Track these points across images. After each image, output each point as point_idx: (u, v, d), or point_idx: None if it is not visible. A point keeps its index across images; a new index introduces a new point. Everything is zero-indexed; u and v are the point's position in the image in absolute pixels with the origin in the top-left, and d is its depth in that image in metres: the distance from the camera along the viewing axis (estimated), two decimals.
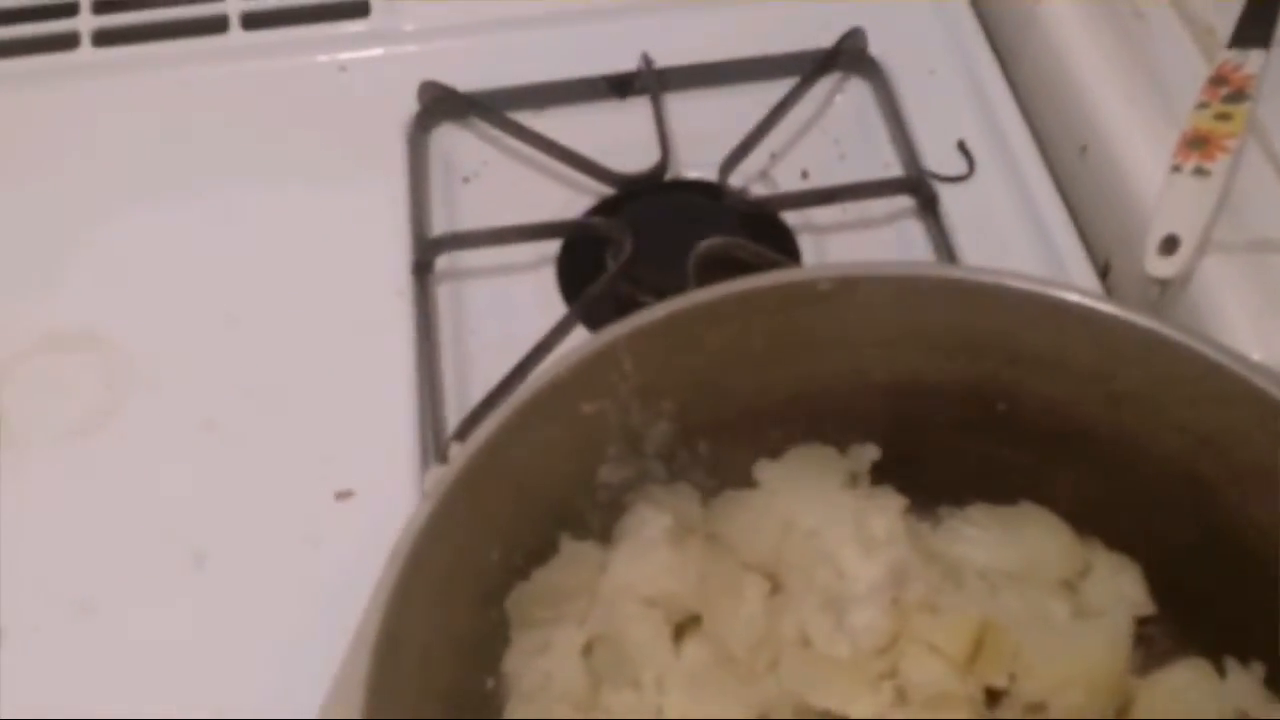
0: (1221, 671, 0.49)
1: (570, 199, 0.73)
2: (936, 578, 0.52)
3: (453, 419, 0.63)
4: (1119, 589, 0.53)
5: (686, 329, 0.49)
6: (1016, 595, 0.52)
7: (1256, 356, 0.55)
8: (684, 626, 0.51)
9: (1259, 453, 0.46)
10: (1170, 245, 0.60)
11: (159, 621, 0.57)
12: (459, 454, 0.44)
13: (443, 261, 0.69)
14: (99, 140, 0.75)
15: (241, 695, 0.54)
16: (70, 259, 0.70)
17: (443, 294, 0.68)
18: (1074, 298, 0.49)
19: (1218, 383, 0.46)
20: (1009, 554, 0.53)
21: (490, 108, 0.75)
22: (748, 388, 0.53)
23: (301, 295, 0.68)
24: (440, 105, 0.76)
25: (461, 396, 0.64)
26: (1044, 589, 0.53)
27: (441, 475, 0.44)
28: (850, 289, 0.49)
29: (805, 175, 0.74)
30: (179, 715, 0.54)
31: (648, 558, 0.50)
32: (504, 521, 0.48)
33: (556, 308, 0.67)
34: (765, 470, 0.55)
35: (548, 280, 0.69)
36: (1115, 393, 0.49)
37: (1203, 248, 0.61)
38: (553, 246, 0.70)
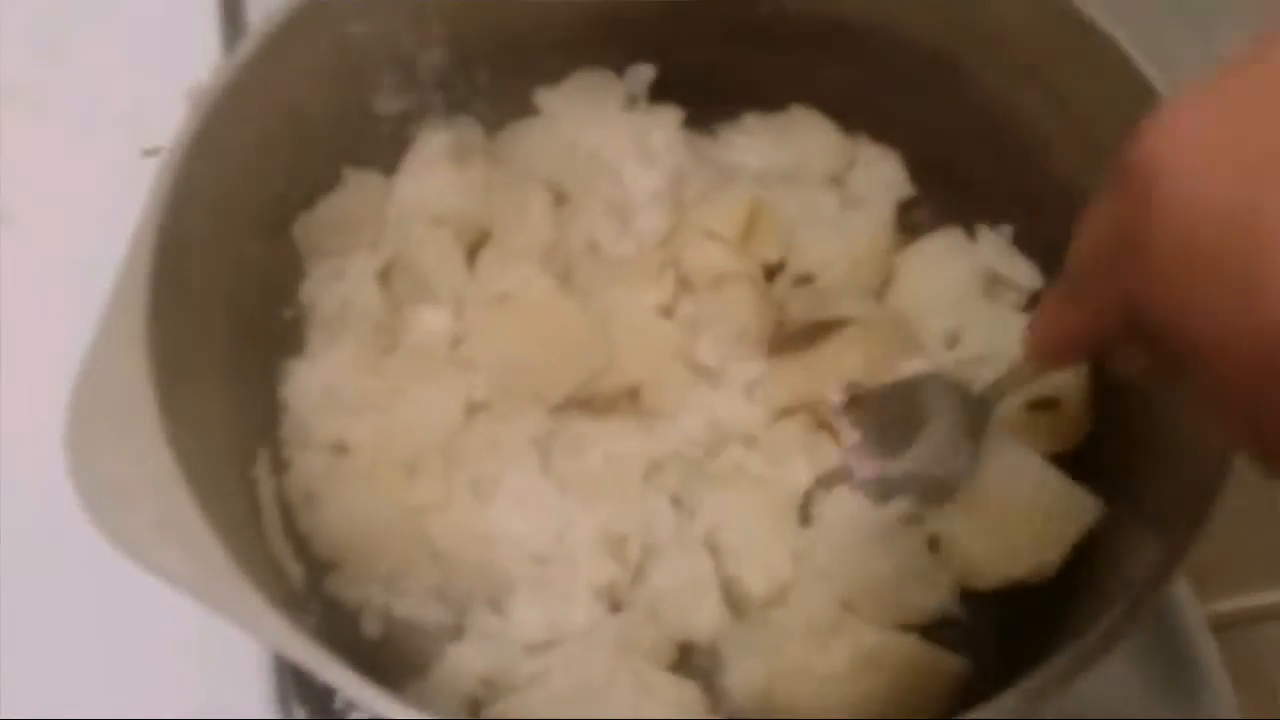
0: (973, 237, 0.54)
1: None
2: (713, 180, 0.55)
3: None
4: (882, 177, 0.56)
5: None
6: (788, 192, 0.56)
7: None
8: (475, 246, 0.54)
9: (994, 16, 0.49)
10: None
11: None
12: (221, 69, 0.45)
13: None
14: None
15: (47, 341, 0.55)
16: None
17: None
18: None
19: None
20: (780, 156, 0.57)
21: None
22: (521, 11, 0.53)
23: None
24: None
25: None
26: (813, 185, 0.56)
27: (205, 88, 0.44)
28: None
29: None
30: None
31: (431, 176, 0.52)
32: (283, 151, 0.48)
33: None
34: (545, 97, 0.56)
35: None
36: None
37: None
38: None
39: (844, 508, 0.46)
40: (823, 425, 0.48)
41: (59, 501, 0.41)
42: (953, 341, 0.52)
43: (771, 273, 0.54)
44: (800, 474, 0.48)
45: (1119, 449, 0.47)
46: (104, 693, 0.48)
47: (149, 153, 0.61)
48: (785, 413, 0.49)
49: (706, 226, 0.53)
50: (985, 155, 0.54)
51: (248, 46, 0.45)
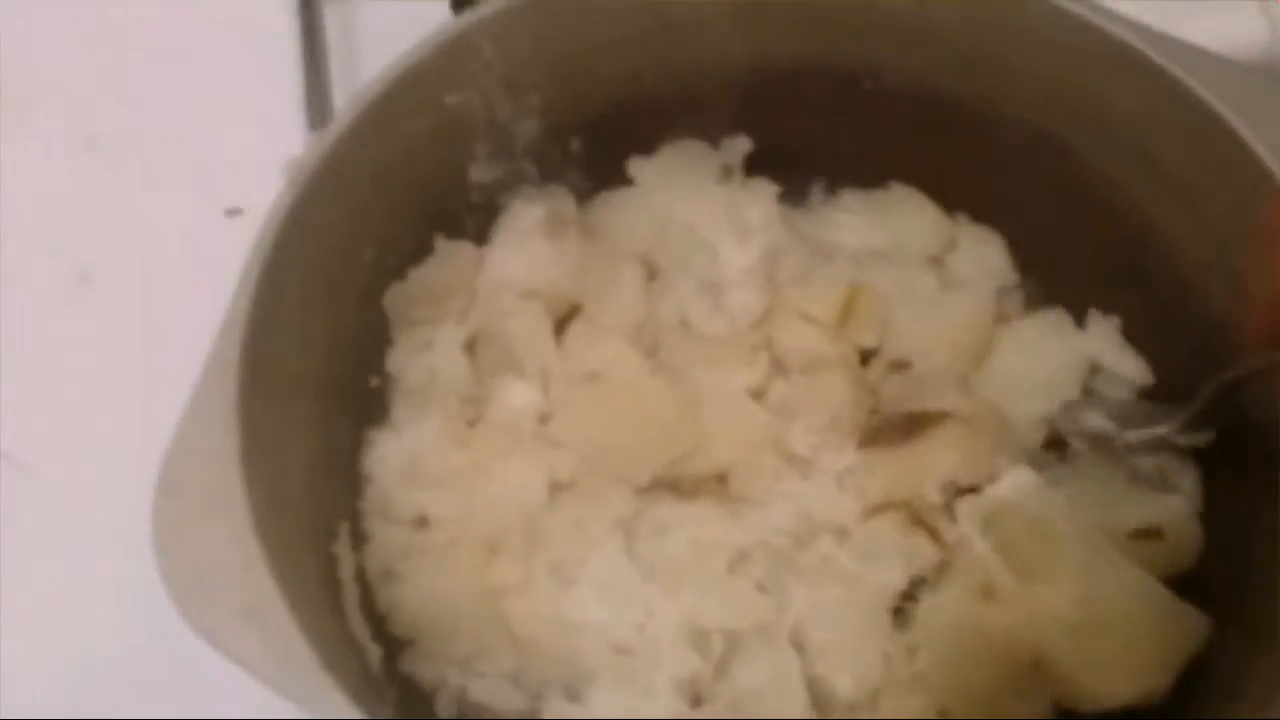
0: (1081, 323, 0.52)
1: None
2: (808, 258, 0.54)
3: None
4: (983, 260, 0.55)
5: (554, 14, 0.48)
6: (886, 271, 0.54)
7: None
8: (565, 319, 0.53)
9: (1106, 97, 0.47)
10: None
11: (47, 337, 0.57)
12: (317, 142, 0.44)
13: None
14: None
15: (125, 401, 0.55)
16: None
17: (330, 13, 0.66)
18: None
19: (1066, 32, 0.46)
20: (878, 234, 0.55)
21: None
22: (617, 79, 0.52)
23: (183, 9, 0.67)
24: None
25: None
26: (912, 265, 0.55)
27: (301, 163, 0.44)
28: None
29: None
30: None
31: (523, 249, 0.51)
32: (375, 220, 0.48)
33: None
34: (639, 167, 0.55)
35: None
36: (970, 56, 0.49)
37: None
38: None
39: (944, 613, 0.44)
40: (919, 523, 0.46)
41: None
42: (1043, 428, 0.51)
43: (865, 356, 0.53)
44: (895, 573, 0.46)
45: (1229, 568, 0.45)
46: None
47: (230, 213, 0.62)
48: (879, 508, 0.47)
49: (802, 308, 0.52)
50: (1090, 238, 0.52)
51: (345, 117, 0.45)
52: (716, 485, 0.49)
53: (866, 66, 0.52)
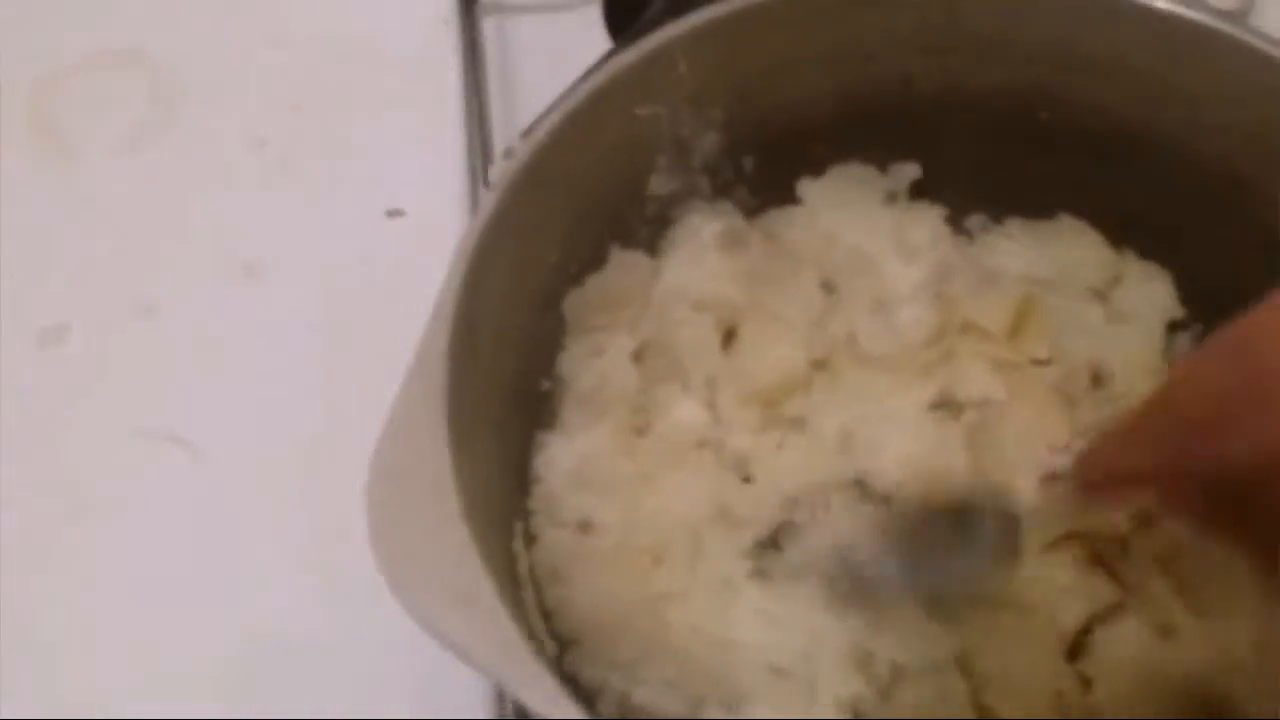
0: None
1: None
2: (977, 280, 0.54)
3: (499, 144, 0.63)
4: (1150, 296, 0.54)
5: (744, 31, 0.49)
6: (1052, 299, 0.54)
7: None
8: (731, 333, 0.54)
9: None
10: None
11: (218, 327, 0.59)
12: (524, 148, 0.45)
13: None
14: None
15: (295, 390, 0.57)
16: None
17: (488, 26, 0.68)
18: None
19: (1267, 77, 0.46)
20: (1043, 264, 0.55)
21: None
22: (796, 99, 0.53)
23: (348, 18, 0.69)
24: None
25: (507, 124, 0.64)
26: (1078, 296, 0.55)
27: (507, 168, 0.44)
28: None
29: None
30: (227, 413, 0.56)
31: (702, 261, 0.52)
32: (563, 226, 0.49)
33: (602, 44, 0.67)
34: (807, 187, 0.56)
35: (594, 17, 0.68)
36: (1163, 94, 0.49)
37: None
38: None
39: (1120, 647, 0.44)
40: (1097, 559, 0.46)
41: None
42: None
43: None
44: (1071, 607, 0.45)
45: None
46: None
47: (391, 214, 0.63)
48: (1056, 543, 0.47)
49: (974, 320, 0.52)
50: (1266, 280, 0.52)
51: (548, 124, 0.46)
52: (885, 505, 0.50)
53: (1048, 98, 0.52)
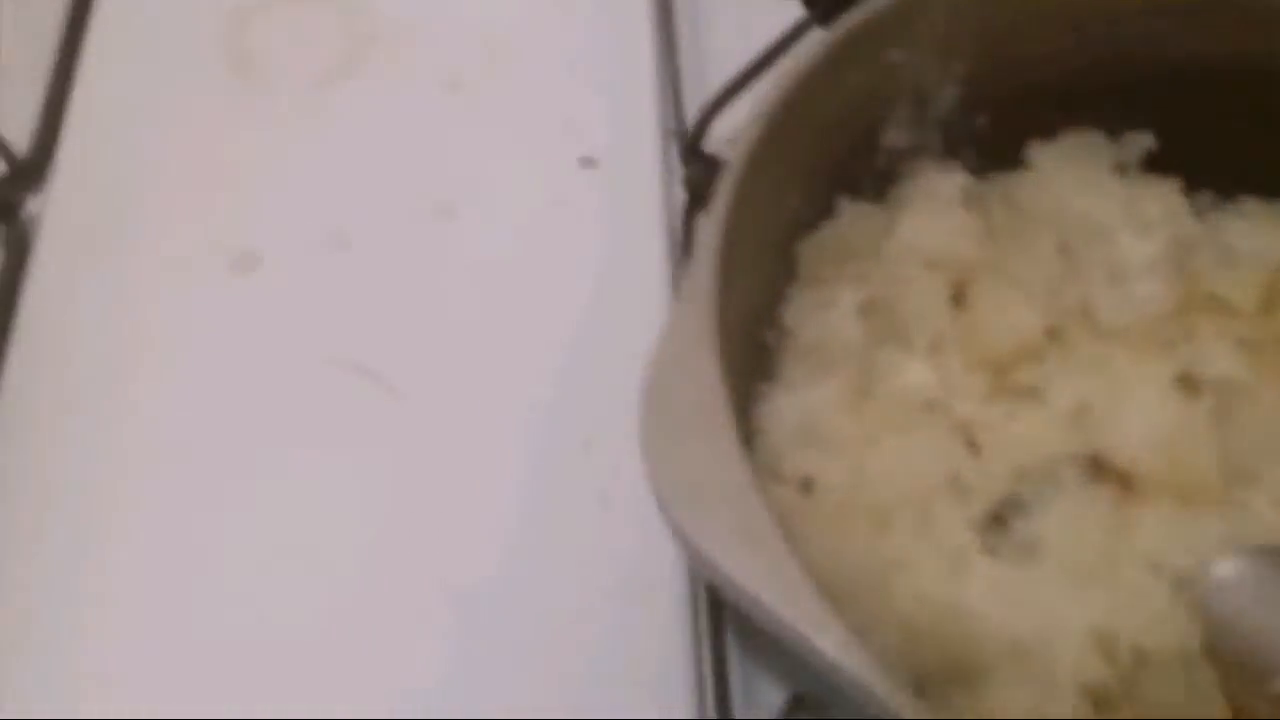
0: None
1: None
2: (1217, 256, 0.51)
3: (692, 99, 0.62)
4: None
5: None
6: None
7: None
8: (961, 295, 0.51)
9: None
10: None
11: (410, 264, 0.58)
12: (781, 80, 0.43)
13: None
14: None
15: (484, 332, 0.56)
16: None
17: None
18: None
19: None
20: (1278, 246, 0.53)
21: None
22: (1038, 55, 0.51)
23: None
24: None
25: (699, 81, 0.63)
26: None
27: (767, 98, 0.43)
28: None
29: None
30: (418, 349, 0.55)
31: (940, 217, 0.50)
32: (804, 170, 0.47)
33: (793, 7, 0.66)
34: (1038, 151, 0.53)
35: None
36: None
37: None
38: None
39: None
40: None
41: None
42: None
43: None
44: None
45: None
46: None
47: (585, 162, 0.62)
48: None
49: (1221, 294, 0.49)
50: None
51: (807, 59, 0.44)
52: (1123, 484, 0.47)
53: None
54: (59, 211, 0.59)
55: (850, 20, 0.45)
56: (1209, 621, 0.42)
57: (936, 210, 0.50)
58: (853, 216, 0.50)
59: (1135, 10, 0.50)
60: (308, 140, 0.61)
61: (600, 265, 0.58)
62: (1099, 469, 0.48)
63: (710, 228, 0.40)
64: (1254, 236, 0.53)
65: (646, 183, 0.60)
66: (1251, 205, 0.54)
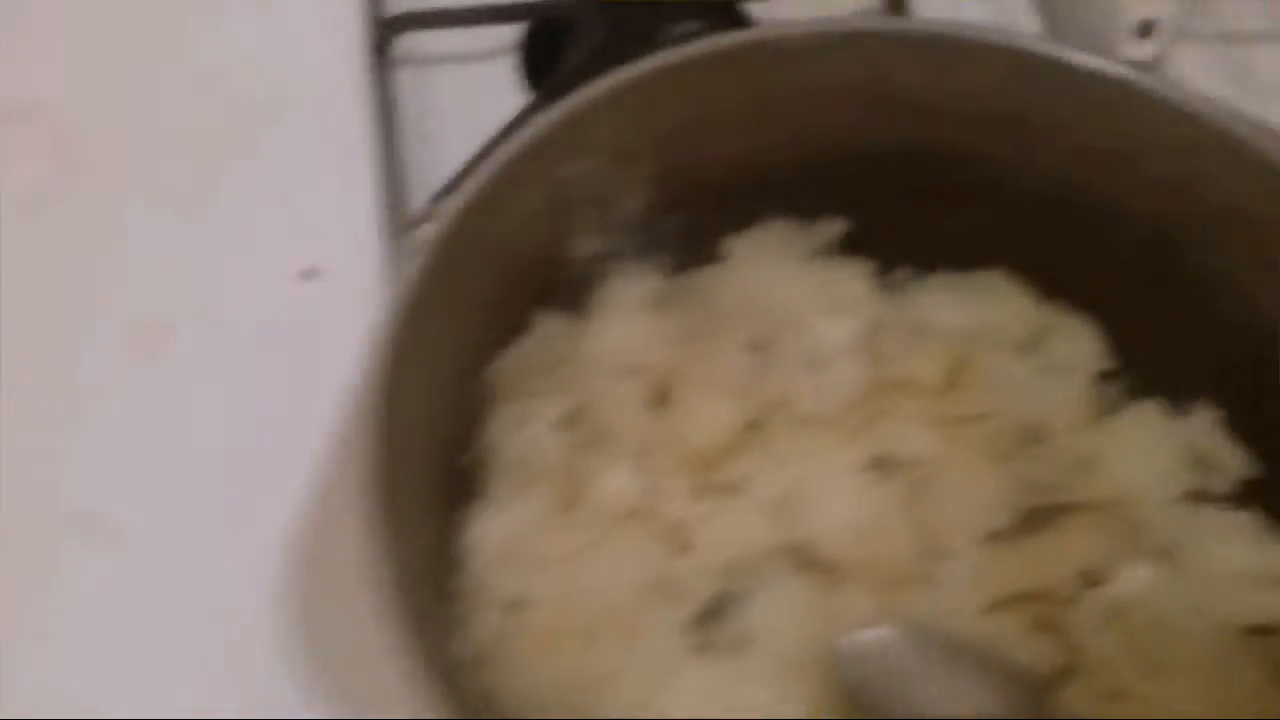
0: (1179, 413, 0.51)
1: None
2: (907, 334, 0.53)
3: (416, 200, 0.62)
4: (1079, 348, 0.54)
5: (668, 87, 0.47)
6: (982, 354, 0.53)
7: None
8: (662, 396, 0.52)
9: (1227, 195, 0.47)
10: (1146, 29, 0.61)
11: (125, 393, 0.56)
12: (444, 213, 0.43)
13: (399, 44, 0.67)
14: None
15: (213, 463, 0.55)
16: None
17: (401, 79, 0.67)
18: (1049, 50, 0.48)
19: (1190, 130, 0.46)
20: (970, 317, 0.54)
21: None
22: (720, 155, 0.52)
23: (251, 72, 0.66)
24: None
25: (424, 179, 0.62)
26: (1005, 349, 0.54)
27: (427, 235, 0.42)
28: (842, 44, 0.49)
29: None
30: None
31: (627, 324, 0.50)
32: (485, 292, 0.47)
33: (520, 97, 0.66)
34: (732, 244, 0.54)
35: (510, 68, 0.68)
36: (1084, 148, 0.49)
37: (1176, 35, 0.62)
38: (512, 34, 0.69)
39: (1071, 711, 0.43)
40: (1043, 623, 0.45)
41: None
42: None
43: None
44: None
45: None
46: None
47: (305, 275, 0.61)
48: (1000, 604, 0.46)
49: (907, 374, 0.51)
50: (1196, 332, 0.51)
51: (469, 188, 0.44)
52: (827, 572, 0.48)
53: (971, 153, 0.52)
54: None
55: (514, 142, 0.45)
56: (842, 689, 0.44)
57: (628, 315, 0.51)
58: (545, 330, 0.50)
59: (809, 105, 0.52)
60: (17, 268, 0.59)
61: (324, 384, 0.57)
62: (803, 559, 0.49)
63: (366, 375, 0.39)
64: (941, 309, 0.55)
65: (372, 289, 0.60)
66: (942, 278, 0.56)
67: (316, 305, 0.60)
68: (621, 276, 0.52)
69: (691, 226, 0.54)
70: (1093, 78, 0.48)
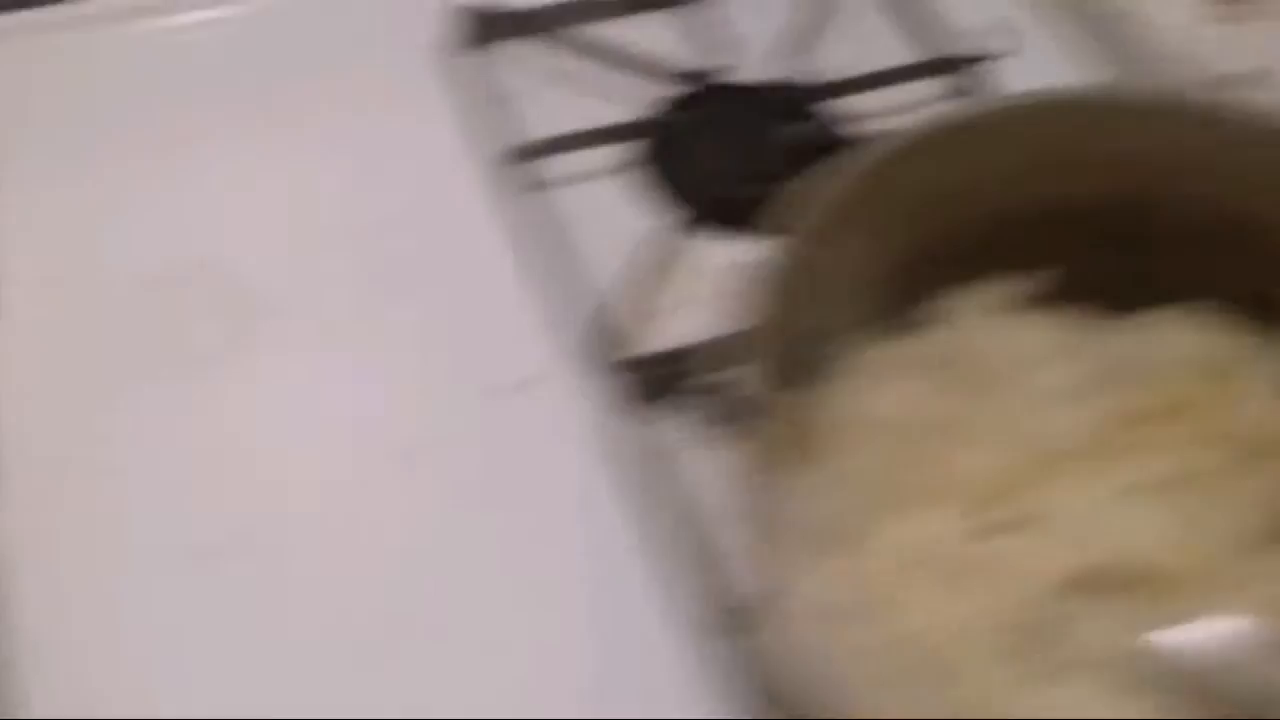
0: None
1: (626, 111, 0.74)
2: (1132, 370, 0.56)
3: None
4: None
5: (925, 157, 0.52)
6: (1201, 382, 0.56)
7: None
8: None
9: None
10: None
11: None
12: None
13: (526, 171, 0.70)
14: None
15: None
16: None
17: (537, 201, 0.69)
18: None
19: None
20: (1185, 348, 0.57)
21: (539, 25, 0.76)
22: (943, 223, 0.56)
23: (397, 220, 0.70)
24: (488, 25, 0.76)
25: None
26: (1223, 376, 0.56)
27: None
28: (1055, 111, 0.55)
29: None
30: None
31: (879, 386, 0.54)
32: None
33: (650, 204, 0.70)
34: (948, 304, 0.57)
35: (631, 182, 0.71)
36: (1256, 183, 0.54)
37: None
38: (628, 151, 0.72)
39: None
40: None
41: None
42: None
43: None
44: None
45: None
46: None
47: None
48: None
49: (1145, 406, 0.54)
50: None
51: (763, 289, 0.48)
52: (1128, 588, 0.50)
53: (1156, 199, 0.57)
54: None
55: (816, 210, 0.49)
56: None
57: (873, 381, 0.54)
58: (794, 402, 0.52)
59: (1025, 170, 0.57)
60: (219, 423, 0.61)
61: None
62: (1104, 579, 0.50)
63: None
64: (1160, 345, 0.57)
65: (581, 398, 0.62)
66: (1154, 315, 0.58)
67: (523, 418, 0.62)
68: (860, 345, 0.55)
69: (910, 289, 0.57)
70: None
